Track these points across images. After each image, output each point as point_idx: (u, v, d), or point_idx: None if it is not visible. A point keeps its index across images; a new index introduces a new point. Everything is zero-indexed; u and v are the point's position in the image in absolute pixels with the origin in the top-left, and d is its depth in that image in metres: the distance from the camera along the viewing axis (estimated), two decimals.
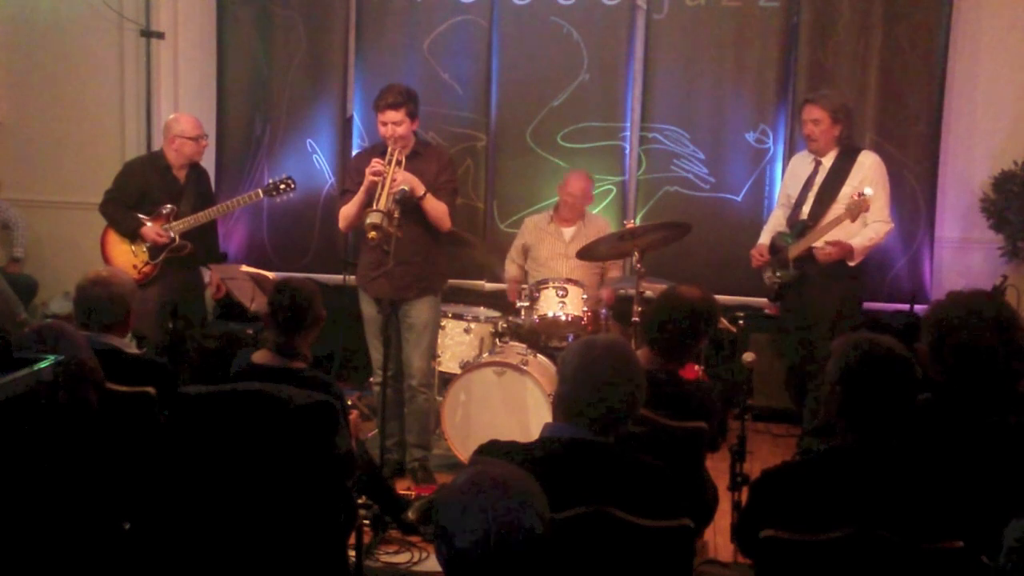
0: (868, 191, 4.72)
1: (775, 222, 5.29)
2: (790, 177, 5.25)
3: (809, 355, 4.98)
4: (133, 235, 5.11)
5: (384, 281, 4.36)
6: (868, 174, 4.90)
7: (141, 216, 5.10)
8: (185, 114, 5.38)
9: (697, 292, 3.30)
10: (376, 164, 4.45)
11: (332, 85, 6.45)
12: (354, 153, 6.39)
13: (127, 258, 5.11)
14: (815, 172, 5.02)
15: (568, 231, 5.56)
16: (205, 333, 5.45)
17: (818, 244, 4.84)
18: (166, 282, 5.12)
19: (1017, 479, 2.47)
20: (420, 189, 4.46)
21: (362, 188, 4.52)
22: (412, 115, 4.53)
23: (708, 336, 3.35)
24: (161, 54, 6.43)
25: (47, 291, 6.44)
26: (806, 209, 4.99)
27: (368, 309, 4.71)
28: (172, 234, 5.09)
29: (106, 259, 5.14)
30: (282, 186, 5.28)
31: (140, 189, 5.15)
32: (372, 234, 4.23)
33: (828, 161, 4.99)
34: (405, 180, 4.41)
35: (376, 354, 4.66)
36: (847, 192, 4.88)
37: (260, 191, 5.27)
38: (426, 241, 4.61)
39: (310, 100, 6.49)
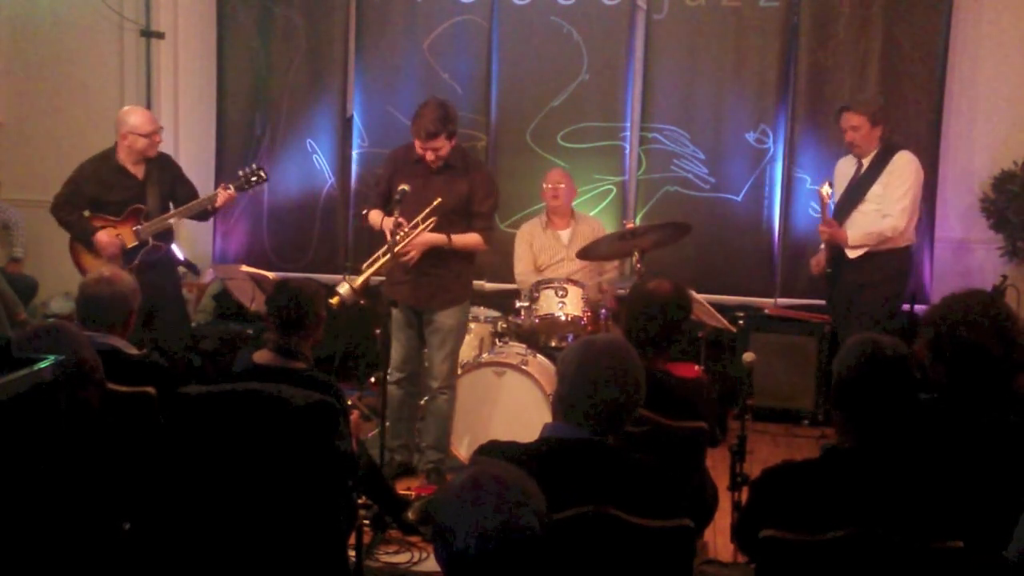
0: (826, 189, 4.92)
1: None
2: (836, 178, 5.26)
3: None
4: (87, 242, 4.87)
5: (407, 288, 4.33)
6: (896, 172, 4.93)
7: (96, 222, 4.86)
8: (138, 108, 5.16)
9: (667, 285, 3.30)
10: (395, 224, 4.26)
11: (332, 85, 6.46)
12: (355, 153, 6.42)
13: (98, 265, 4.65)
14: (857, 172, 5.07)
15: (564, 234, 5.55)
16: (188, 344, 5.30)
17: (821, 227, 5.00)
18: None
19: (1017, 479, 2.47)
20: (442, 241, 4.40)
21: (387, 227, 4.34)
22: (451, 135, 4.40)
23: (686, 325, 3.36)
24: (161, 54, 6.44)
25: (47, 291, 6.44)
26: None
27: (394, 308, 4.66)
28: (144, 237, 4.88)
29: (79, 268, 4.89)
30: (253, 178, 5.04)
31: (95, 193, 4.91)
32: (334, 300, 4.03)
33: (867, 161, 5.03)
34: (424, 243, 4.33)
35: (395, 354, 4.62)
36: (876, 191, 4.91)
37: (231, 186, 5.01)
38: (451, 254, 4.50)
39: (310, 100, 6.49)
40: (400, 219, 4.27)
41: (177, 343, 5.11)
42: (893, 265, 4.98)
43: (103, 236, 4.86)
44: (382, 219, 4.42)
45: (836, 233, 4.92)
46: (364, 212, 4.70)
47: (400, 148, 4.68)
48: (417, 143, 4.40)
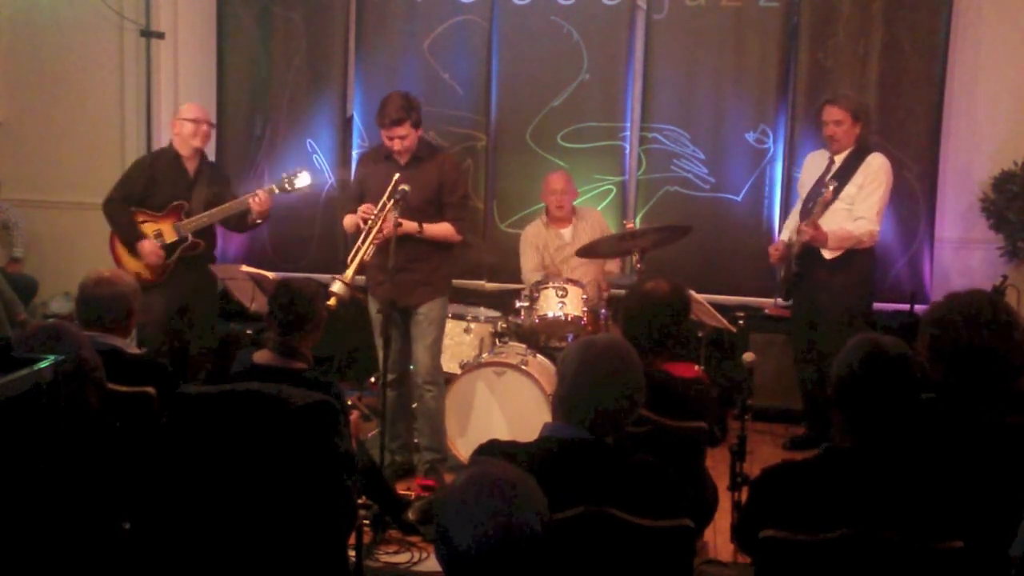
0: (830, 187, 4.88)
1: (793, 220, 5.32)
2: (805, 174, 5.33)
3: (815, 353, 5.05)
4: (130, 246, 4.97)
5: (389, 287, 4.35)
6: (870, 175, 4.96)
7: (139, 215, 4.97)
8: (194, 102, 5.39)
9: (665, 285, 3.31)
10: (366, 211, 4.35)
11: (332, 85, 6.45)
12: (355, 153, 6.41)
13: (134, 265, 4.94)
14: (827, 170, 5.08)
15: (566, 231, 5.54)
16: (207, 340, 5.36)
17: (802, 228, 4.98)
18: (176, 283, 5.00)
19: (1017, 479, 2.47)
20: (413, 227, 4.43)
21: (356, 219, 4.43)
22: (416, 124, 4.49)
23: (685, 325, 3.36)
24: (161, 54, 6.43)
25: (47, 291, 6.44)
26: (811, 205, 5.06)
27: (374, 310, 4.71)
28: (184, 233, 4.98)
29: (116, 259, 5.01)
30: (295, 179, 5.18)
31: (147, 180, 5.02)
32: (331, 301, 4.02)
33: (840, 159, 5.07)
34: (398, 231, 4.30)
35: (381, 355, 4.65)
36: (850, 191, 4.94)
37: (275, 187, 5.15)
38: (427, 247, 4.56)
39: (310, 100, 6.49)
40: (366, 204, 4.37)
41: (202, 342, 5.21)
42: (860, 266, 5.04)
43: (147, 245, 4.95)
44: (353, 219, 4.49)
45: (818, 236, 4.91)
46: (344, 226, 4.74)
47: (368, 150, 4.78)
48: (383, 134, 4.49)
